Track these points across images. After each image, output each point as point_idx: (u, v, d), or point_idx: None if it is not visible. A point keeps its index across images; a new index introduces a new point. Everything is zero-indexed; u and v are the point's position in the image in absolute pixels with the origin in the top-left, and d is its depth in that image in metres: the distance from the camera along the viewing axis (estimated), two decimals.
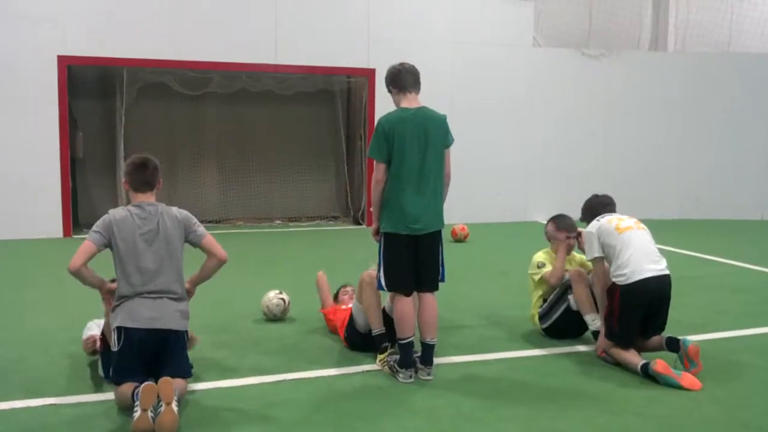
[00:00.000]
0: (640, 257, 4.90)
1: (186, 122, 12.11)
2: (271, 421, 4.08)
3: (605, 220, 5.18)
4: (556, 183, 12.97)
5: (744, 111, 13.35)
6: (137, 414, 3.80)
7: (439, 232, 4.79)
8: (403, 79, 4.77)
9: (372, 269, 5.10)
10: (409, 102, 4.76)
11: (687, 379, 4.63)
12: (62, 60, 10.48)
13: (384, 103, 11.95)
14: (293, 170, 12.72)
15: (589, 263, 5.52)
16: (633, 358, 4.89)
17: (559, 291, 5.64)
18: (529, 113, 12.89)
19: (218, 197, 12.25)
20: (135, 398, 3.87)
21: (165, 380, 3.91)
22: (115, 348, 4.18)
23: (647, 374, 4.74)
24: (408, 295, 4.72)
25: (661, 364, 4.70)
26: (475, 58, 12.44)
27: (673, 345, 4.89)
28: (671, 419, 4.17)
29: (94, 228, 4.26)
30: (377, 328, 5.03)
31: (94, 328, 4.96)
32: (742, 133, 13.38)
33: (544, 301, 5.77)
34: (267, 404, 4.32)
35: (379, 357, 4.97)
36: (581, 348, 5.49)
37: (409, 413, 4.25)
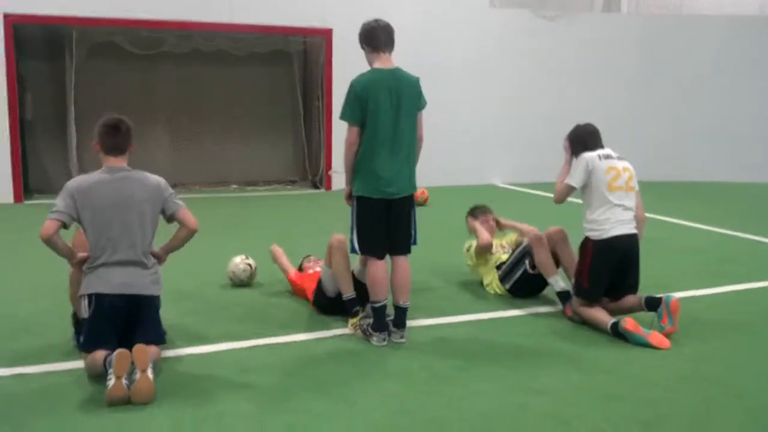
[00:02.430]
0: (617, 218, 4.95)
1: (138, 83, 11.79)
2: (248, 387, 4.05)
3: (603, 167, 5.02)
4: (512, 145, 13.04)
5: (696, 72, 13.54)
6: (111, 382, 3.73)
7: (412, 196, 4.76)
8: (377, 37, 4.69)
9: (340, 233, 5.08)
10: (383, 62, 4.69)
11: (656, 337, 4.73)
12: (8, 19, 10.08)
13: (342, 64, 11.85)
14: (249, 133, 12.51)
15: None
16: (602, 316, 4.97)
17: (517, 254, 5.76)
18: (485, 74, 12.87)
19: (171, 160, 11.99)
20: (108, 366, 3.79)
21: (139, 347, 3.84)
22: (85, 315, 4.09)
23: (617, 333, 4.83)
24: (381, 258, 4.70)
25: (630, 322, 4.79)
26: (431, 18, 12.33)
27: (653, 303, 4.96)
28: (642, 377, 4.25)
29: (54, 205, 4.08)
30: (348, 293, 5.00)
31: None
32: (695, 95, 13.57)
33: (496, 269, 5.87)
34: (242, 370, 4.29)
35: (351, 321, 4.96)
36: (547, 308, 5.56)
37: (385, 376, 4.26)
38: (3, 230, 8.62)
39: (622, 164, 5.11)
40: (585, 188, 5.10)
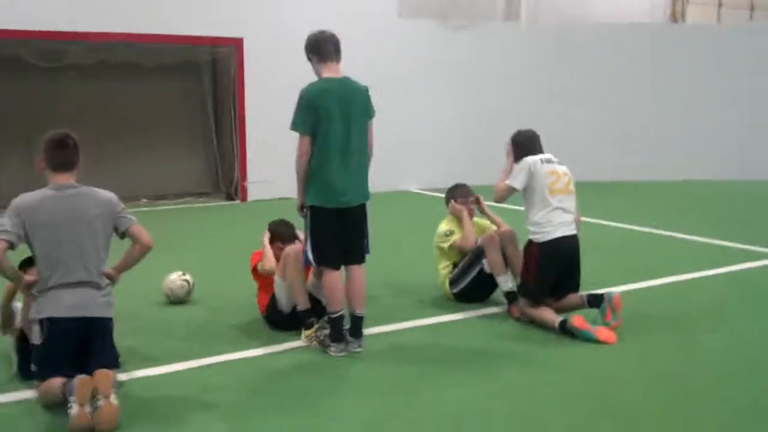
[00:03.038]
0: (559, 220, 5.10)
1: (43, 97, 11.26)
2: (211, 407, 3.95)
3: (545, 171, 5.16)
4: (424, 153, 13.17)
5: (600, 79, 14.02)
6: (74, 410, 3.56)
7: (364, 205, 4.76)
8: (324, 47, 4.67)
9: (297, 244, 5.01)
10: (331, 71, 4.67)
11: (603, 333, 4.90)
12: None
13: (254, 75, 11.72)
14: (158, 146, 12.14)
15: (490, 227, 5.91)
16: (550, 315, 5.12)
17: (471, 256, 5.78)
18: (396, 86, 12.94)
19: (80, 176, 11.48)
20: (68, 393, 3.61)
21: (102, 372, 3.69)
22: (37, 341, 3.88)
23: (564, 330, 4.98)
24: (337, 268, 4.68)
25: (578, 319, 4.95)
26: (341, 29, 12.29)
27: (595, 300, 5.14)
28: (596, 373, 4.41)
29: (2, 225, 3.86)
30: (303, 304, 4.93)
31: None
32: (601, 100, 14.02)
33: (454, 266, 5.90)
34: (202, 390, 4.17)
35: (306, 333, 4.90)
36: (492, 310, 5.67)
37: (350, 388, 4.25)
38: None
39: (561, 168, 5.27)
40: (527, 191, 5.23)
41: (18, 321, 4.36)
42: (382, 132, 12.64)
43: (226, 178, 12.43)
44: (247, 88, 11.57)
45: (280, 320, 5.15)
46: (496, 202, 5.46)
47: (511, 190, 5.28)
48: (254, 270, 5.38)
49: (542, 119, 13.59)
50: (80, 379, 3.60)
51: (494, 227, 5.99)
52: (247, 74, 11.56)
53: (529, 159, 5.23)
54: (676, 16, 16.71)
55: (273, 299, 5.19)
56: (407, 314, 5.59)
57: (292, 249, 4.98)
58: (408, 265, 7.18)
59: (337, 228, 4.63)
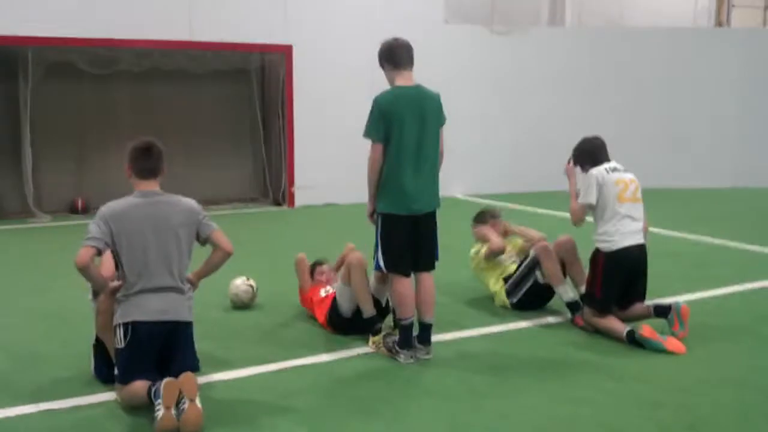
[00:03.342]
0: (627, 230, 5.09)
1: (96, 103, 11.46)
2: (291, 411, 4.01)
3: (612, 180, 5.15)
4: (470, 159, 13.16)
5: (638, 81, 13.92)
6: (161, 413, 3.64)
7: (435, 212, 4.79)
8: (398, 54, 4.71)
9: (352, 249, 5.10)
10: (404, 79, 4.71)
11: (672, 343, 4.88)
12: None
13: (302, 81, 11.82)
14: (210, 152, 12.29)
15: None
16: (617, 325, 5.10)
17: (524, 268, 5.80)
18: (442, 91, 12.96)
19: (130, 182, 11.67)
20: (155, 396, 3.69)
21: (187, 375, 3.77)
22: (121, 345, 3.97)
23: (632, 340, 4.96)
24: (407, 275, 4.71)
25: (647, 329, 4.93)
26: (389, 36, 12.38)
27: (662, 310, 5.12)
28: (671, 382, 4.40)
29: (89, 232, 3.96)
30: (370, 311, 4.99)
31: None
32: (638, 103, 13.93)
33: (505, 280, 5.92)
34: (278, 394, 4.24)
35: (373, 339, 4.95)
36: (554, 319, 5.66)
37: (424, 393, 4.28)
38: None
39: (628, 176, 5.26)
40: (596, 202, 5.21)
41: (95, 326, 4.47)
42: None
43: (274, 184, 12.54)
44: (296, 94, 11.67)
45: (343, 325, 5.22)
46: (575, 224, 5.32)
47: (587, 208, 5.23)
48: (304, 301, 5.71)
49: (595, 124, 13.64)
50: (167, 382, 3.68)
51: (528, 240, 6.05)
52: (295, 80, 11.66)
53: (595, 171, 5.22)
54: (722, 22, 16.52)
55: (334, 305, 5.25)
56: (470, 322, 5.61)
57: (356, 256, 5.05)
58: (461, 271, 7.17)
59: (408, 235, 4.67)
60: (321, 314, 5.40)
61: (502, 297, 5.92)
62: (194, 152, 12.18)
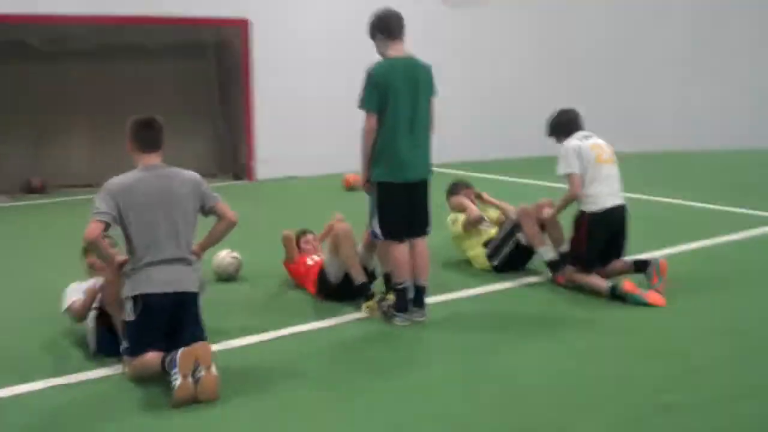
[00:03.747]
0: (607, 191, 5.30)
1: (50, 82, 11.22)
2: (303, 375, 4.10)
3: (587, 146, 5.36)
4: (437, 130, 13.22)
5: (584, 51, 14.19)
6: (178, 381, 3.68)
7: (427, 180, 4.90)
8: (392, 25, 4.77)
9: (341, 220, 5.20)
10: (397, 50, 4.78)
11: (652, 296, 5.11)
12: None
13: (262, 54, 11.70)
14: (168, 128, 12.13)
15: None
16: (600, 282, 5.32)
17: (504, 231, 6.00)
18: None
19: (89, 161, 11.54)
20: (171, 365, 3.73)
21: (202, 344, 3.83)
22: (131, 317, 3.99)
23: (614, 295, 5.17)
24: (403, 241, 4.82)
25: (629, 284, 5.16)
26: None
27: (642, 265, 5.35)
28: (660, 333, 4.62)
29: (96, 207, 3.97)
30: (360, 278, 5.09)
31: (74, 294, 4.65)
32: (583, 73, 14.22)
33: (483, 245, 6.10)
34: (286, 361, 4.33)
35: (366, 304, 5.05)
36: (534, 279, 5.85)
37: (430, 352, 4.44)
38: None
39: (601, 141, 5.48)
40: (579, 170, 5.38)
41: (96, 301, 4.47)
42: None
43: (233, 159, 12.48)
44: (255, 68, 11.63)
45: (331, 291, 5.32)
46: (577, 198, 5.41)
47: (576, 177, 5.35)
48: (292, 272, 5.80)
49: (552, 92, 13.81)
50: (184, 351, 3.73)
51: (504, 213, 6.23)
52: (255, 54, 11.62)
53: (569, 144, 5.42)
54: None
55: (322, 273, 5.34)
56: (455, 285, 5.74)
57: (342, 227, 5.16)
58: (433, 238, 7.30)
59: (404, 203, 4.78)
60: (310, 282, 5.49)
61: (482, 260, 6.09)
62: None
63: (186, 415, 3.62)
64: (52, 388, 4.01)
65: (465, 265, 6.30)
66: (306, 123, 11.92)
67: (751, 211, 8.11)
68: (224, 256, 6.02)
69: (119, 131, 11.95)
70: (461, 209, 6.22)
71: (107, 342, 4.35)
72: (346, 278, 5.20)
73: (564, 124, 5.60)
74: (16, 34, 10.43)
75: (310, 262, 5.64)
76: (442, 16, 13.06)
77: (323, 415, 3.63)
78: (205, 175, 11.80)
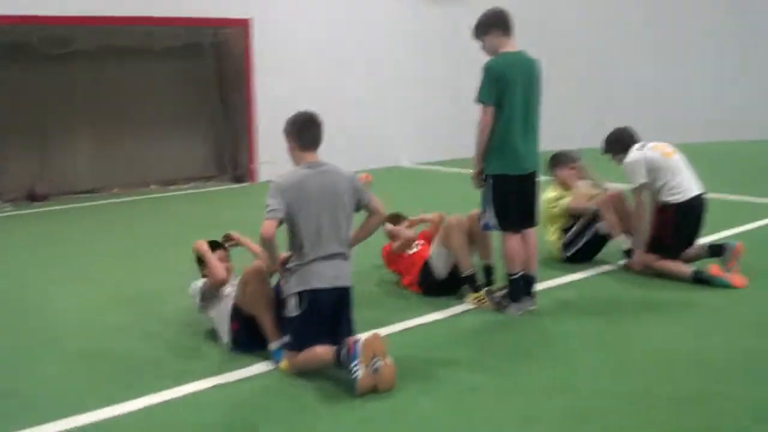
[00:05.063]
0: (690, 178, 5.67)
1: (53, 85, 10.96)
2: (455, 362, 4.24)
3: (649, 149, 5.73)
4: (413, 129, 13.41)
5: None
6: (360, 372, 3.80)
7: (536, 171, 5.11)
8: (507, 21, 4.95)
9: (454, 214, 5.38)
10: (510, 46, 4.96)
11: (736, 278, 5.48)
12: None
13: (261, 56, 11.67)
14: (166, 130, 12.05)
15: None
16: (682, 267, 5.66)
17: (585, 220, 6.23)
18: (393, 62, 13.12)
19: (92, 165, 11.35)
20: (351, 358, 3.83)
21: (376, 335, 3.96)
22: (295, 313, 4.10)
23: (698, 280, 5.51)
24: (518, 232, 5.03)
25: (714, 268, 5.51)
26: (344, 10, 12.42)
27: (717, 250, 5.71)
28: (752, 310, 4.99)
29: (269, 205, 4.07)
30: (468, 269, 5.28)
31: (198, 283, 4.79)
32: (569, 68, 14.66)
33: (563, 231, 6.33)
34: (427, 349, 4.47)
35: (474, 295, 5.24)
36: (608, 267, 6.13)
37: (562, 337, 4.64)
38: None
39: (657, 142, 5.83)
40: (651, 175, 5.67)
41: (231, 299, 4.54)
42: (373, 109, 12.83)
43: (236, 161, 12.41)
44: (256, 69, 11.63)
45: (436, 287, 5.48)
46: (645, 219, 5.78)
47: (644, 187, 5.69)
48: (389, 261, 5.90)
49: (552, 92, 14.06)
50: (365, 342, 3.85)
51: (596, 191, 6.42)
52: (256, 55, 11.61)
53: (633, 157, 5.71)
54: None
55: (425, 268, 5.50)
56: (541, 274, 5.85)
57: (455, 218, 5.33)
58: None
59: (518, 194, 4.99)
60: (409, 275, 5.65)
61: (555, 249, 6.33)
62: (152, 131, 11.92)
63: (374, 404, 3.75)
64: (216, 387, 4.05)
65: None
66: None
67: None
68: None
69: (120, 132, 11.82)
70: (565, 187, 6.39)
71: (244, 339, 4.44)
72: (450, 273, 5.37)
73: (618, 141, 5.96)
74: (21, 36, 10.18)
75: (409, 252, 5.75)
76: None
77: (505, 398, 3.80)
78: (204, 178, 12.17)
